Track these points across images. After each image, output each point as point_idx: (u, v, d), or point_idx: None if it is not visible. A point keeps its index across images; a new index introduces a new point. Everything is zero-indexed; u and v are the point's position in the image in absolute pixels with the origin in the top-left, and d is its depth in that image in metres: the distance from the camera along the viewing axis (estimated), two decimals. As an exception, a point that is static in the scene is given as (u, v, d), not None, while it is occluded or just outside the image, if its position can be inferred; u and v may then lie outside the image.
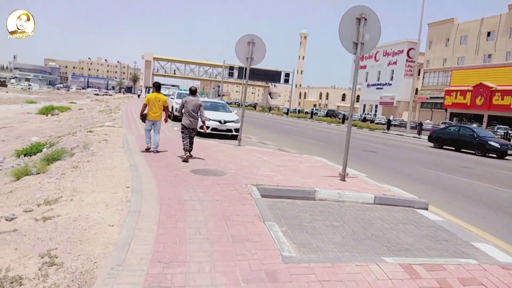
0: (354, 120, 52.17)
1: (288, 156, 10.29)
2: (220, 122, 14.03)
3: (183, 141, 8.58)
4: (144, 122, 9.12)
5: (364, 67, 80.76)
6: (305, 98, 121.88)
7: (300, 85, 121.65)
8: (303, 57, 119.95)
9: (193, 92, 9.06)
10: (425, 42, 65.89)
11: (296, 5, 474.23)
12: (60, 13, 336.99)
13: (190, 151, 8.59)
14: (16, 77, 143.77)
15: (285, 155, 10.48)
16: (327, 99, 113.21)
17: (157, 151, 8.96)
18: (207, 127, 11.83)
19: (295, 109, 78.73)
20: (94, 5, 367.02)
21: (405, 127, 38.52)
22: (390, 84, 72.10)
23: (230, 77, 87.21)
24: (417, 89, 67.94)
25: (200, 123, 8.97)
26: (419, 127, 35.21)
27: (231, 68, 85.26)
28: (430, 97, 61.91)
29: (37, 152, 9.25)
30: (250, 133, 17.28)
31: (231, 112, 15.62)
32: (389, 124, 35.73)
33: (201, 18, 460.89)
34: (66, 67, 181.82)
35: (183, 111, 8.70)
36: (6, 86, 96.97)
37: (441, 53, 61.56)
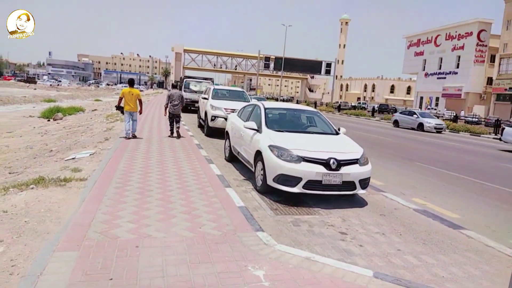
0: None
1: None
2: (327, 164, 5.58)
3: (170, 124, 11.66)
4: (122, 113, 10.76)
5: (421, 53, 70.19)
6: (347, 90, 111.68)
7: (341, 76, 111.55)
8: (344, 46, 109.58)
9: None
10: (499, 22, 54.83)
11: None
12: (92, 7, 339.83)
13: (176, 132, 11.47)
14: (49, 73, 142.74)
15: None
16: (373, 91, 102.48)
17: (135, 136, 10.74)
18: (300, 178, 5.59)
19: (349, 104, 67.86)
20: None
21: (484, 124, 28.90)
22: (455, 73, 61.39)
23: (265, 69, 79.35)
24: (490, 78, 57.22)
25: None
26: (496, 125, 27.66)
27: (267, 59, 77.34)
28: (510, 88, 51.11)
29: None
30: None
31: (337, 133, 7.04)
32: (498, 125, 26.30)
33: (233, 8, 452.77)
34: (99, 62, 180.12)
35: (169, 103, 11.41)
36: (35, 83, 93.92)
37: (525, 33, 50.34)
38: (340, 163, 5.66)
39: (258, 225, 4.52)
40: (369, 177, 6.02)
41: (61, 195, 5.07)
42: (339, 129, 7.21)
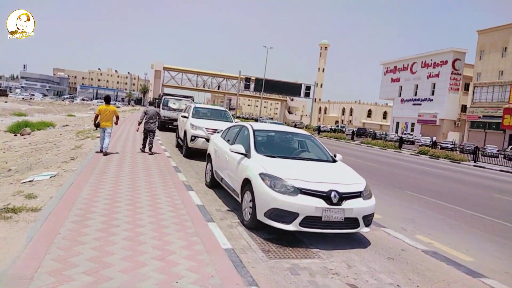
0: (408, 144, 42.59)
1: None
2: (327, 198, 4.79)
3: (143, 140, 11.72)
4: (97, 129, 11.01)
5: (398, 80, 72.01)
6: (325, 113, 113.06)
7: (320, 99, 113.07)
8: (323, 70, 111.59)
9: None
10: (473, 52, 56.96)
11: (316, 13, 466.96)
12: (71, 21, 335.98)
13: (148, 147, 11.51)
14: (22, 87, 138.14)
15: None
16: (351, 115, 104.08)
17: (107, 153, 10.31)
18: (296, 214, 4.75)
19: (329, 127, 68.31)
20: (107, 14, 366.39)
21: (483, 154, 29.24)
22: (430, 100, 63.07)
23: (246, 89, 79.11)
24: (464, 105, 58.97)
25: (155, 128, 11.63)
26: (475, 153, 26.43)
27: (247, 79, 77.20)
28: (483, 116, 52.67)
29: None
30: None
31: (334, 160, 6.26)
32: (477, 153, 26.35)
33: (215, 29, 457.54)
34: (75, 77, 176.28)
35: (144, 119, 11.57)
36: (6, 95, 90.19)
37: (496, 64, 52.32)
38: (342, 197, 4.89)
39: (250, 276, 3.63)
40: (373, 213, 5.27)
41: (3, 232, 4.04)
42: (335, 156, 6.49)
